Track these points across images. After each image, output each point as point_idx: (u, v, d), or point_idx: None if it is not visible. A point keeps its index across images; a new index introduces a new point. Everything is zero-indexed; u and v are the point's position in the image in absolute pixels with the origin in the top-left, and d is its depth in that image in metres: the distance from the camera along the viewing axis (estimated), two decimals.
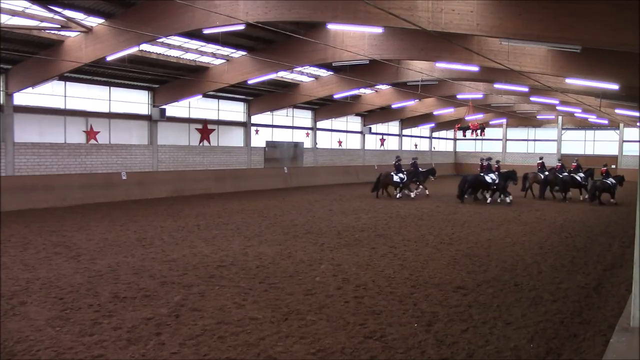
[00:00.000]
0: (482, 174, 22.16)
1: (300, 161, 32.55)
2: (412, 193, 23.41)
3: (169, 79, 22.49)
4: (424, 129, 46.21)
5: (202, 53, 20.23)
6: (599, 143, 44.46)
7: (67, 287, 8.11)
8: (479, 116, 36.88)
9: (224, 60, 21.23)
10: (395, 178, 22.35)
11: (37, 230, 13.38)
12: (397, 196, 22.59)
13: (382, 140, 41.12)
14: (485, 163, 22.71)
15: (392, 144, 42.56)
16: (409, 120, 41.03)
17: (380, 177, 23.16)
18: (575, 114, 37.36)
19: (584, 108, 30.53)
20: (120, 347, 5.82)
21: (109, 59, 16.49)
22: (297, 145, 32.34)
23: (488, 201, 21.90)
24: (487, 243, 12.55)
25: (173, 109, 24.35)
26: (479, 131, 30.87)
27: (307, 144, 33.37)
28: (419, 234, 13.66)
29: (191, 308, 7.16)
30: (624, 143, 43.17)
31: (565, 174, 24.42)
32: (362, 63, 19.69)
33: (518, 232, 14.27)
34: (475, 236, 13.51)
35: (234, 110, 28.07)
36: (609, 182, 22.55)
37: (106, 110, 21.91)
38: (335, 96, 27.32)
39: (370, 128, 37.80)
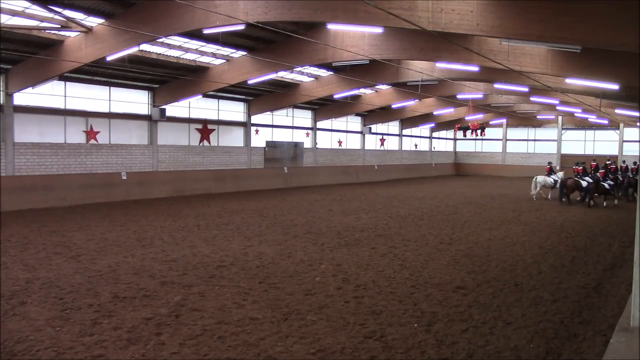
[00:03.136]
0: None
1: (300, 161, 32.53)
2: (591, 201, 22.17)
3: (169, 79, 22.49)
4: (424, 129, 46.20)
5: (202, 53, 20.23)
6: (599, 143, 44.41)
7: (67, 287, 8.11)
8: (479, 116, 36.81)
9: (224, 60, 21.23)
10: (606, 186, 21.75)
11: (37, 230, 13.37)
12: (605, 204, 21.51)
13: (382, 140, 41.11)
14: None
15: (392, 144, 42.57)
16: (409, 120, 41.02)
17: (589, 187, 21.59)
18: (575, 114, 37.33)
19: (584, 108, 30.51)
20: (120, 347, 5.83)
21: (109, 59, 16.49)
22: (297, 145, 32.32)
23: None
24: (487, 243, 12.55)
25: (173, 109, 24.34)
26: (479, 131, 30.81)
27: (307, 144, 33.35)
28: (419, 234, 13.65)
29: (191, 308, 7.16)
30: (624, 143, 43.16)
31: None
32: (362, 63, 19.68)
33: (518, 232, 14.27)
34: (475, 236, 13.51)
35: (234, 110, 28.06)
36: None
37: (106, 110, 21.91)
38: (335, 96, 27.30)
39: (370, 128, 37.79)
